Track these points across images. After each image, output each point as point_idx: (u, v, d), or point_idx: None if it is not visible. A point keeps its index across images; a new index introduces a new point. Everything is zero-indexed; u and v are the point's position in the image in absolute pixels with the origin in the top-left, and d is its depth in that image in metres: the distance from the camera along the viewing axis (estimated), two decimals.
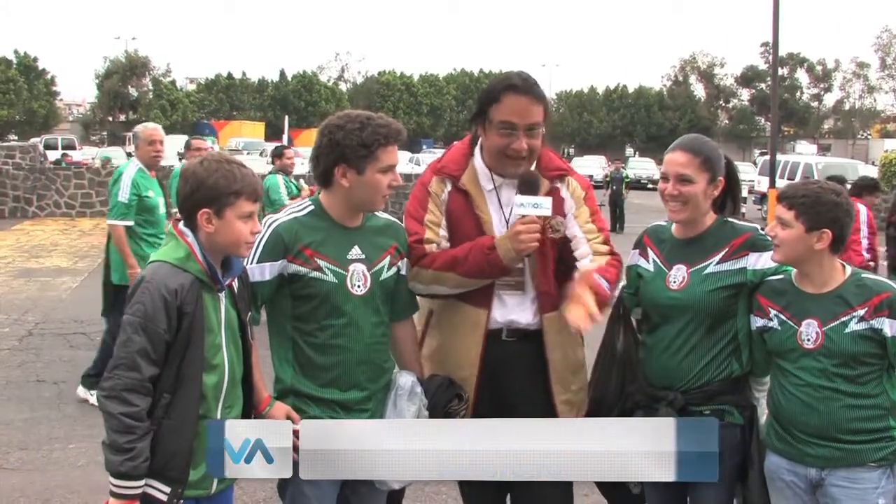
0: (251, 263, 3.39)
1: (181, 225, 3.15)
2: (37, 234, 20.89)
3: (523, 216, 3.51)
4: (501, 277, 3.64)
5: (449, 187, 3.73)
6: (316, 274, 3.39)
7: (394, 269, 3.58)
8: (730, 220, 3.67)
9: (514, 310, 3.70)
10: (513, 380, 3.72)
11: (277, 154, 12.17)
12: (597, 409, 3.85)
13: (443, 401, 3.55)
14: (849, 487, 3.33)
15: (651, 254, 3.76)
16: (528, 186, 3.55)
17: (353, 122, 3.39)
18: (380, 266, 3.51)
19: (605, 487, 4.00)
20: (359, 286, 3.45)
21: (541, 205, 3.51)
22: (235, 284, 3.26)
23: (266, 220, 3.47)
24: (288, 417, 3.39)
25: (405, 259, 3.65)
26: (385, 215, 3.67)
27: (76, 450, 6.43)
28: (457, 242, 3.67)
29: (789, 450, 3.43)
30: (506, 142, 3.58)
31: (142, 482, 2.99)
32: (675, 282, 3.62)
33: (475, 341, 3.69)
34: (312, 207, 3.51)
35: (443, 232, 3.72)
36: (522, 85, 3.55)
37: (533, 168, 3.67)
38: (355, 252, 3.46)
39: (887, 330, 3.29)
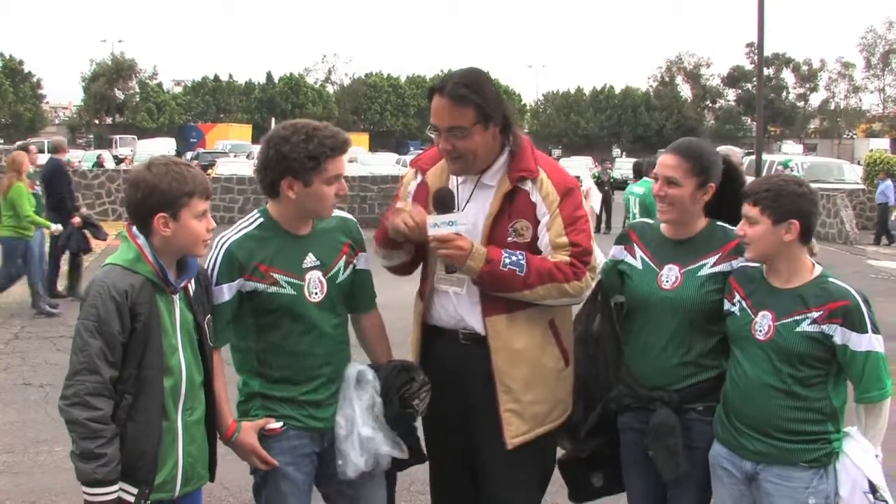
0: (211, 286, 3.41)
1: (134, 228, 3.16)
2: None
3: (436, 237, 3.48)
4: (442, 271, 3.66)
5: (418, 179, 3.80)
6: (274, 289, 3.41)
7: (350, 268, 3.60)
8: (721, 224, 3.69)
9: (461, 309, 3.67)
10: (466, 383, 3.68)
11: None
12: (584, 393, 3.87)
13: (395, 385, 3.54)
14: (780, 485, 3.37)
15: (638, 250, 3.78)
16: (441, 205, 3.55)
17: (298, 133, 3.36)
18: (336, 269, 3.54)
19: (568, 475, 4.04)
20: (316, 293, 3.47)
21: (456, 222, 3.49)
22: (192, 287, 3.27)
23: (217, 240, 3.46)
24: (261, 430, 3.44)
25: (362, 253, 3.68)
26: (335, 212, 3.62)
27: (62, 453, 6.40)
28: None
29: (729, 439, 3.48)
30: (436, 141, 3.61)
31: (116, 487, 2.99)
32: (667, 281, 3.64)
33: (416, 329, 3.81)
34: (262, 220, 3.50)
35: None
36: (445, 87, 3.52)
37: (499, 166, 3.63)
38: (310, 260, 3.48)
39: (837, 338, 3.30)
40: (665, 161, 3.64)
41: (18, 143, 44.80)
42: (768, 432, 3.37)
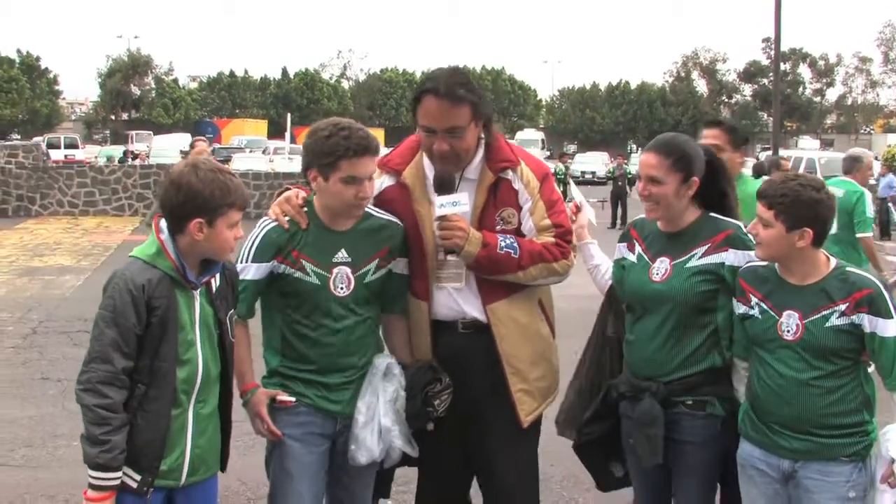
0: (245, 262, 3.52)
1: (162, 221, 3.20)
2: (40, 233, 20.93)
3: (442, 217, 3.56)
4: (440, 269, 3.71)
5: (389, 181, 3.79)
6: (299, 275, 3.51)
7: (382, 271, 3.64)
8: (713, 214, 3.70)
9: (462, 301, 3.73)
10: (472, 372, 3.74)
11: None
12: (588, 392, 3.95)
13: (420, 383, 3.63)
14: (821, 480, 3.34)
15: (637, 246, 3.80)
16: (444, 186, 3.61)
17: (324, 129, 3.45)
18: (366, 269, 3.59)
19: (587, 464, 4.08)
20: (342, 288, 3.54)
21: (459, 202, 3.57)
22: (216, 282, 3.32)
23: (261, 222, 3.58)
24: (273, 399, 3.55)
25: (399, 259, 3.70)
26: (386, 216, 3.70)
27: (80, 447, 6.40)
28: None
29: (763, 440, 3.45)
30: (428, 143, 3.62)
31: (118, 473, 3.06)
32: (657, 274, 3.66)
33: (423, 332, 3.78)
34: (305, 209, 3.58)
35: None
36: (440, 88, 3.52)
37: (479, 160, 3.71)
38: (341, 255, 3.55)
39: (866, 326, 3.28)
40: (646, 160, 3.64)
41: (35, 138, 45.21)
42: (808, 430, 3.34)
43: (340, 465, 3.63)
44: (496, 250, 3.60)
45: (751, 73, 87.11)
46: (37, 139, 43.44)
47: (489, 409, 3.76)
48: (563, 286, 3.97)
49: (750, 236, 3.55)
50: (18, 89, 71.96)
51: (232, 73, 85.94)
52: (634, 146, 75.18)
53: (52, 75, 78.59)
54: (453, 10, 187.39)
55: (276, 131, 65.49)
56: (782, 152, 29.13)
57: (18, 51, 76.01)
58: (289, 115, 45.74)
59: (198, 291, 3.24)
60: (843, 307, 3.30)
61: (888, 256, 19.18)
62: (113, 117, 79.09)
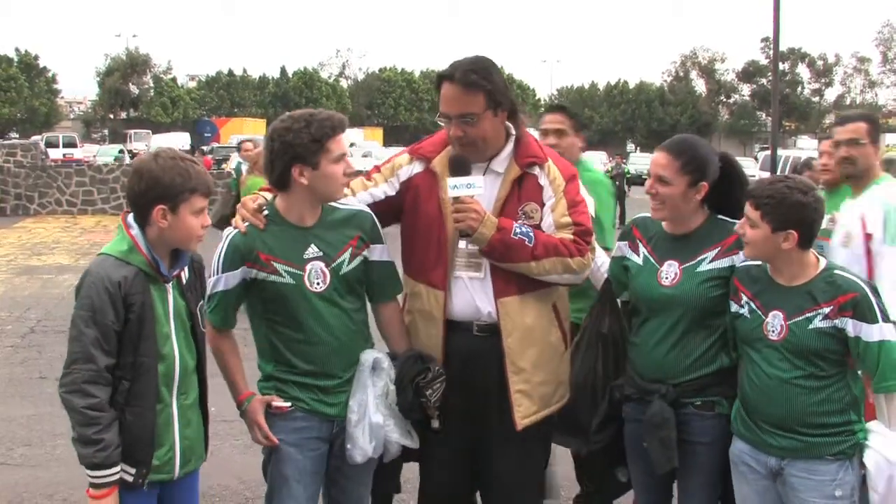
0: (216, 274, 3.52)
1: (129, 218, 3.22)
2: (38, 232, 20.93)
3: (456, 198, 3.56)
4: (459, 257, 3.70)
5: (419, 168, 3.80)
6: (273, 277, 3.49)
7: (357, 260, 3.61)
8: (721, 217, 3.69)
9: (477, 295, 3.70)
10: (482, 373, 3.71)
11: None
12: (580, 393, 3.90)
13: (409, 375, 3.58)
14: (807, 479, 3.36)
15: (641, 246, 3.79)
16: (458, 168, 3.61)
17: (297, 121, 3.46)
18: (340, 260, 3.56)
19: (590, 475, 4.05)
20: (318, 283, 3.52)
21: (473, 185, 3.56)
22: (185, 274, 3.35)
23: (225, 232, 3.57)
24: (269, 405, 3.54)
25: (375, 245, 3.68)
26: (350, 206, 3.69)
27: None
28: (417, 218, 3.76)
29: (752, 437, 3.47)
30: (446, 129, 3.66)
31: (117, 468, 3.09)
32: (667, 278, 3.64)
33: (436, 323, 3.73)
34: (267, 213, 3.57)
35: (374, 192, 3.81)
36: (455, 74, 3.57)
37: (507, 153, 3.71)
38: (311, 251, 3.53)
39: (850, 330, 3.30)
40: (656, 159, 3.65)
41: (34, 137, 45.13)
42: (794, 428, 3.36)
43: (338, 467, 3.62)
44: (510, 234, 3.57)
45: (749, 73, 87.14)
46: (35, 138, 43.38)
47: (491, 409, 3.73)
48: None
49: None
50: (17, 88, 71.92)
51: (230, 72, 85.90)
52: (633, 146, 75.19)
53: (50, 74, 78.57)
54: (453, 10, 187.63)
55: None
56: (781, 152, 29.05)
57: (17, 49, 76.06)
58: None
59: (170, 284, 3.27)
60: (826, 310, 3.32)
61: None
62: (111, 116, 79.11)
